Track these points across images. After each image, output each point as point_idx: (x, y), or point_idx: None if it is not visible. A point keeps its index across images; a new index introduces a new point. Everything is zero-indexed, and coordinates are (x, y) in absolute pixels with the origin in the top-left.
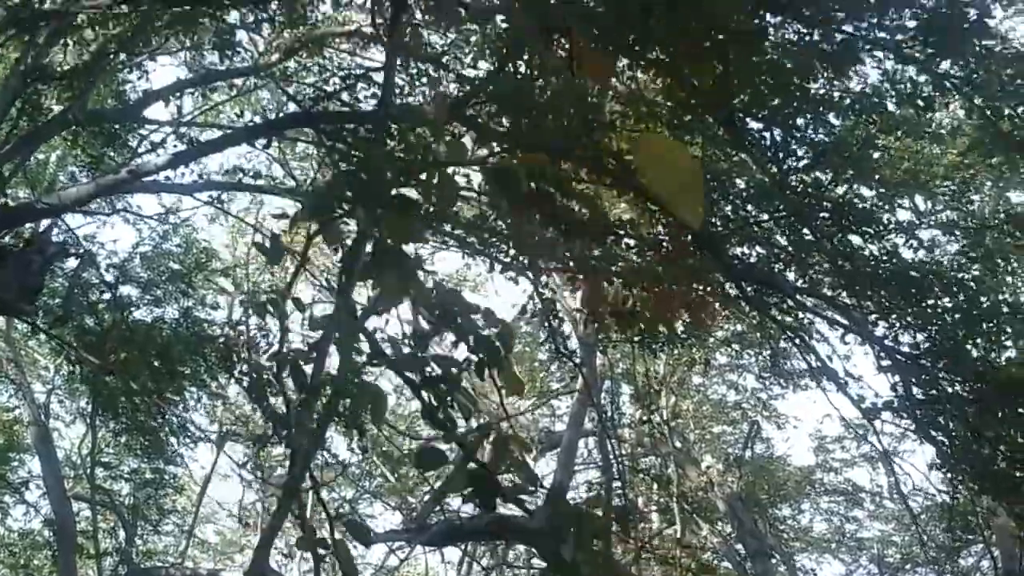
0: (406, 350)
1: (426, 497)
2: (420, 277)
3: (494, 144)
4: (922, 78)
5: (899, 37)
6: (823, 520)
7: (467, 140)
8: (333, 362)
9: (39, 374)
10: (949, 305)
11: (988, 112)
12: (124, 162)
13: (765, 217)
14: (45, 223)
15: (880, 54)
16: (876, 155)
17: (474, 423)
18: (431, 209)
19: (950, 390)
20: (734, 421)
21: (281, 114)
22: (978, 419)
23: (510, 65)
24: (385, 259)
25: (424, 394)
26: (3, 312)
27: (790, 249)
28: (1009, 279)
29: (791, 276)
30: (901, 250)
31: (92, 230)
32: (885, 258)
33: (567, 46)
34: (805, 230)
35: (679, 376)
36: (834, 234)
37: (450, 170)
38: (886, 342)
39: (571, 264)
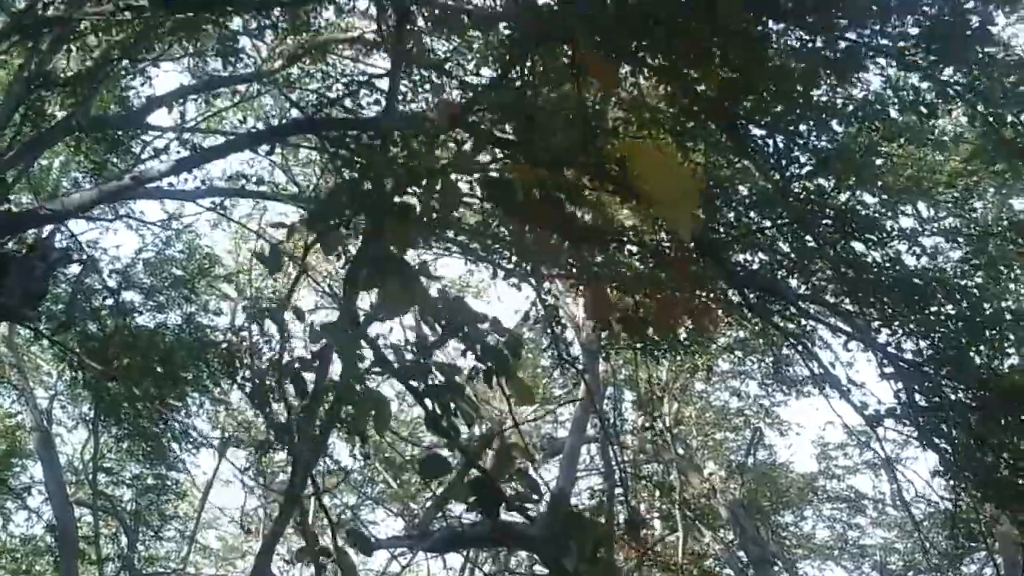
0: (409, 357)
1: (428, 503)
2: (424, 284)
3: (496, 151)
4: (925, 85)
5: (902, 44)
6: (825, 527)
7: (468, 147)
8: (337, 368)
9: (42, 379)
10: (952, 312)
11: (991, 119)
12: (127, 168)
13: (768, 224)
14: (48, 229)
15: (883, 61)
16: (879, 162)
17: (477, 430)
18: (433, 216)
19: (953, 397)
20: (736, 428)
21: (284, 120)
22: (981, 426)
23: (513, 72)
24: (388, 267)
25: (427, 402)
26: (6, 318)
27: (793, 256)
28: (1012, 286)
29: (794, 283)
30: (904, 257)
31: (95, 236)
32: (888, 265)
33: (570, 53)
34: (808, 237)
35: (682, 383)
36: (837, 241)
37: (453, 176)
38: (889, 349)
39: (574, 271)
